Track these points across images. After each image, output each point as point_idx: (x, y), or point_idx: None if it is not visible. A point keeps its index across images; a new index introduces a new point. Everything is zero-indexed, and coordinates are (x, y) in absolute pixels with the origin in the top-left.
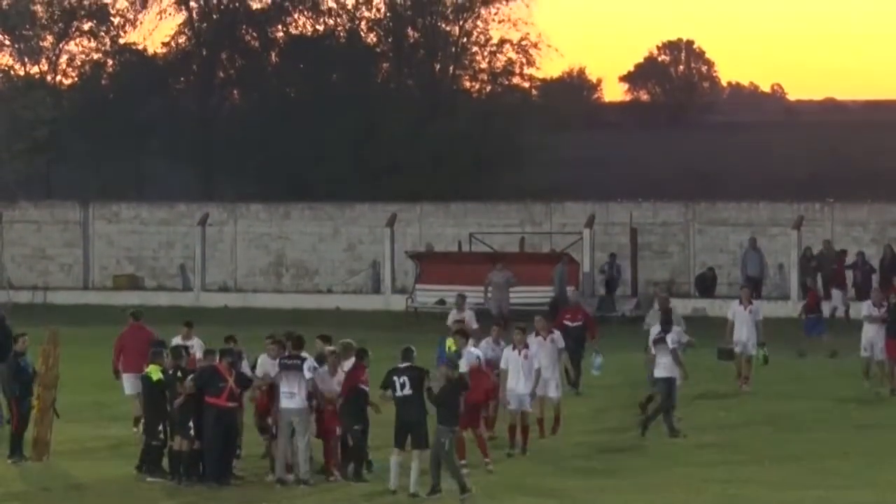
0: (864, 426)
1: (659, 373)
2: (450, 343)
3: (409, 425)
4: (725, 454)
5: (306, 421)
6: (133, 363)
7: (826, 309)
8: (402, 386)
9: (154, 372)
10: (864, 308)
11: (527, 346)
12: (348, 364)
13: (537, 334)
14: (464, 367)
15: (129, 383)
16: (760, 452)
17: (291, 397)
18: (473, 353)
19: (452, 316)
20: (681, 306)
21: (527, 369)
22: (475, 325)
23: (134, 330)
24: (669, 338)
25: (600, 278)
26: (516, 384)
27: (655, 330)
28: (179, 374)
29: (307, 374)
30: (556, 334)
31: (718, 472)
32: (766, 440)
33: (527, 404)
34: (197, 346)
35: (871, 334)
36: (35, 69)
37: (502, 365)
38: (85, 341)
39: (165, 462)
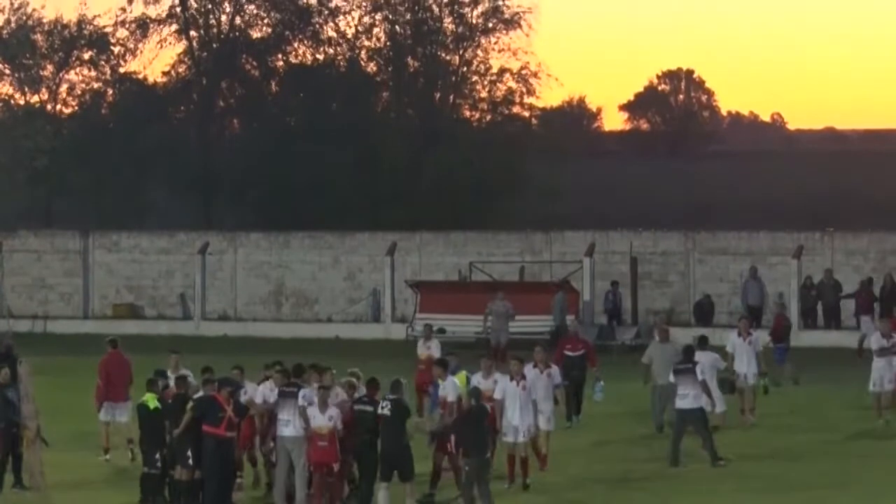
0: (864, 456)
1: (687, 404)
2: (460, 378)
3: (391, 455)
4: (725, 484)
5: (302, 448)
6: (115, 392)
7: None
8: (384, 407)
9: (151, 400)
10: (874, 342)
11: (524, 378)
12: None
13: (535, 365)
14: (451, 396)
15: (106, 410)
16: (760, 483)
17: (287, 425)
18: (455, 382)
19: (420, 347)
20: (681, 335)
21: (524, 400)
22: (438, 356)
23: (115, 357)
24: (699, 368)
25: (607, 307)
26: (513, 415)
27: (663, 359)
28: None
29: (300, 402)
30: (554, 369)
31: (718, 502)
32: (766, 471)
33: (522, 435)
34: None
35: (880, 366)
36: (35, 98)
37: (497, 395)
38: (85, 370)
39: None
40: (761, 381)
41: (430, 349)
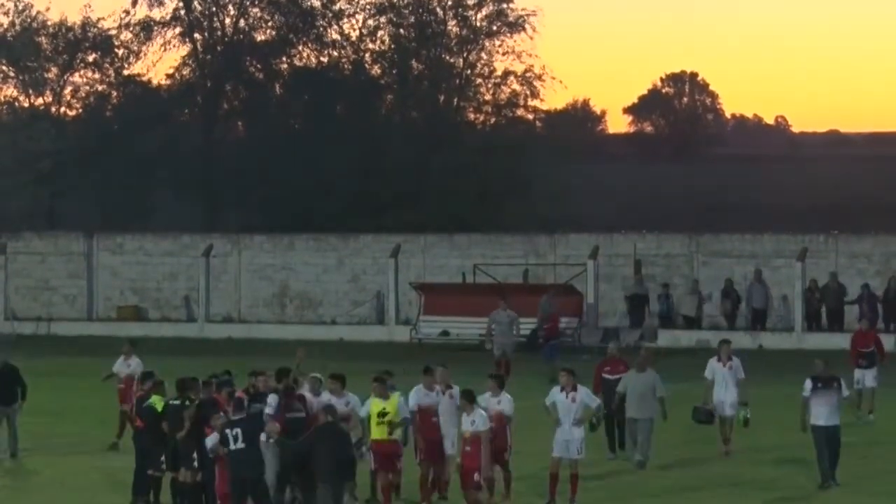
0: (864, 458)
1: (824, 420)
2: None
3: (244, 482)
4: (721, 488)
5: None
6: None
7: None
8: (235, 438)
9: (157, 402)
10: None
11: (574, 389)
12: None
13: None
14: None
15: None
16: (743, 477)
17: None
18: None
19: (120, 365)
20: (685, 338)
21: (574, 413)
22: (140, 371)
23: None
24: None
25: (660, 309)
26: (562, 429)
27: (637, 390)
28: (186, 403)
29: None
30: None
31: None
32: (763, 474)
33: (576, 452)
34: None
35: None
36: (39, 101)
37: (561, 415)
38: (89, 372)
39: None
40: (741, 413)
41: (131, 367)
